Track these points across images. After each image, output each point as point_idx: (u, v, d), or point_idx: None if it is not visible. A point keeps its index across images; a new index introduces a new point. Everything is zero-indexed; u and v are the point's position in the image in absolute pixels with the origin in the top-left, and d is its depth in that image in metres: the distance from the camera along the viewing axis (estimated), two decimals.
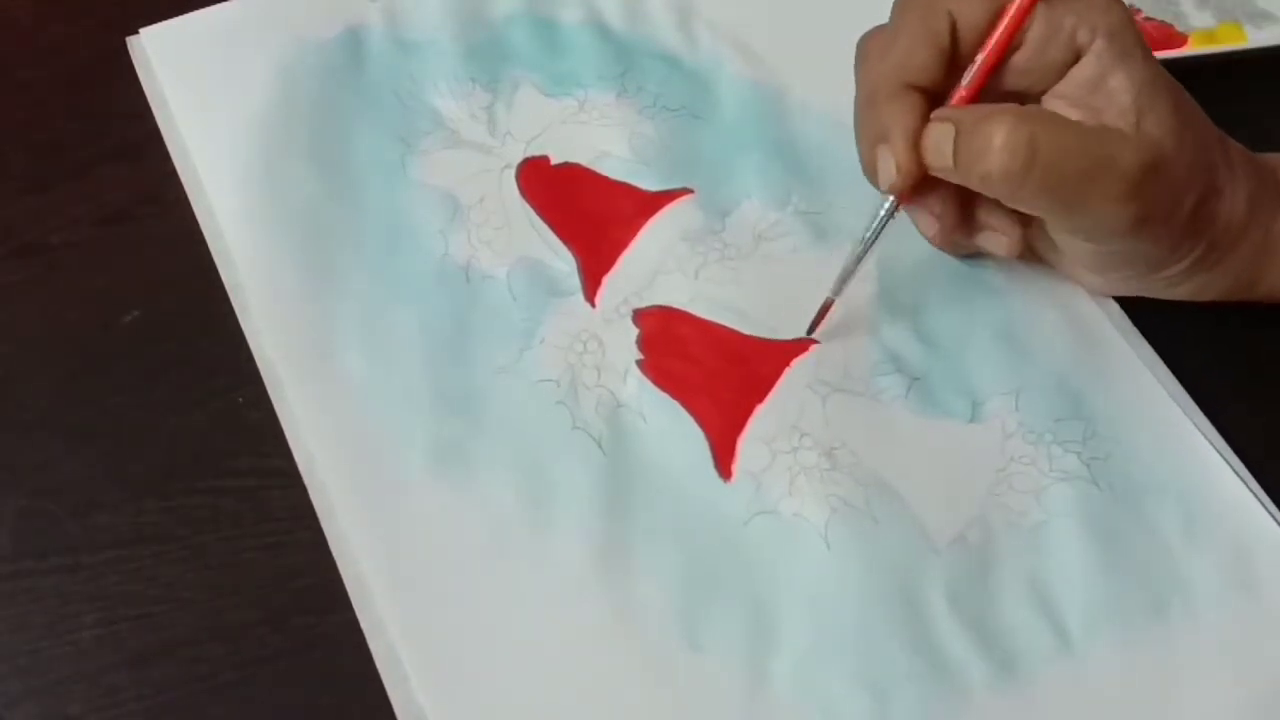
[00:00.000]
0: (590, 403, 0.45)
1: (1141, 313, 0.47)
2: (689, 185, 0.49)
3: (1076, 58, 0.41)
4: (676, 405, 0.45)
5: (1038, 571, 0.43)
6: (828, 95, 0.51)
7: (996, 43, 0.41)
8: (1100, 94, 0.40)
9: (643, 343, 0.46)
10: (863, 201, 0.49)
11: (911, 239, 0.46)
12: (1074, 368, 0.46)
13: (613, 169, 0.49)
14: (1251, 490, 0.45)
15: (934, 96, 0.42)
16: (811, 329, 0.46)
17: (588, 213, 0.48)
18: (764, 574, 0.42)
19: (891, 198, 0.43)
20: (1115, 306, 0.48)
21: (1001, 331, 0.47)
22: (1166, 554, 0.43)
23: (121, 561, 0.42)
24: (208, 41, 0.51)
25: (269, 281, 0.46)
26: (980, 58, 0.41)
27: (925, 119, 0.41)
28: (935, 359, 0.46)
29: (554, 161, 0.50)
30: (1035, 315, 0.47)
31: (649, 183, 0.49)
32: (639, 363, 0.46)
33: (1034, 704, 0.41)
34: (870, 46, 0.43)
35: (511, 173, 0.49)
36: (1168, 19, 0.55)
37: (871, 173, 0.43)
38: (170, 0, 0.52)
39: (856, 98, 0.43)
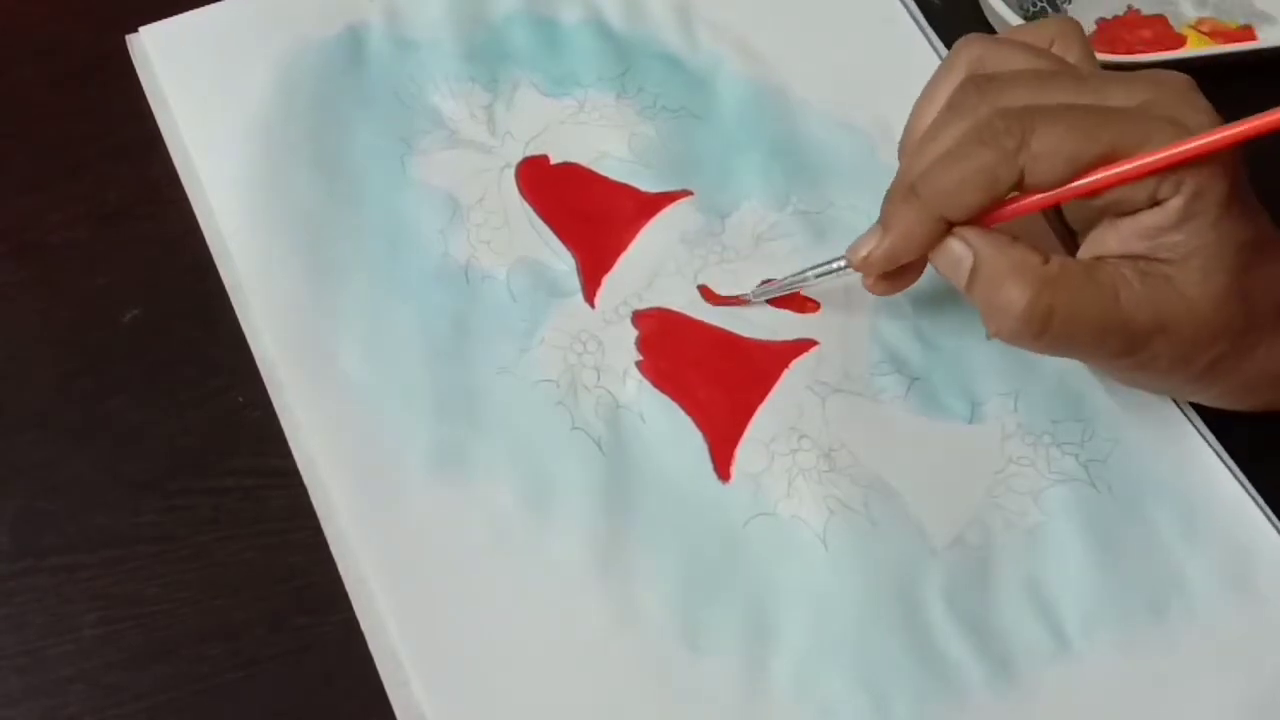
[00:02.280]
0: (590, 403, 0.45)
1: None
2: (688, 186, 0.49)
3: (1151, 205, 0.38)
4: (675, 406, 0.45)
5: (1036, 573, 0.43)
6: (828, 95, 0.51)
7: (1051, 199, 0.39)
8: (1153, 242, 0.39)
9: (642, 344, 0.46)
10: (862, 202, 0.49)
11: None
12: (1073, 369, 0.46)
13: (612, 169, 0.49)
14: (1249, 492, 0.45)
15: None
16: (722, 299, 0.47)
17: (587, 213, 0.48)
18: (763, 575, 0.42)
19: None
20: None
21: None
22: (1164, 555, 0.44)
23: (121, 561, 0.42)
24: (207, 40, 0.51)
25: (269, 281, 0.46)
26: (1031, 201, 0.39)
27: (937, 238, 0.40)
28: (935, 359, 0.46)
29: (553, 161, 0.50)
30: None
31: (648, 184, 0.49)
32: (638, 364, 0.46)
33: (1032, 705, 0.41)
34: (940, 122, 0.40)
35: (511, 172, 0.49)
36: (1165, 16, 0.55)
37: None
38: None
39: (904, 166, 0.42)
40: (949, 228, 0.40)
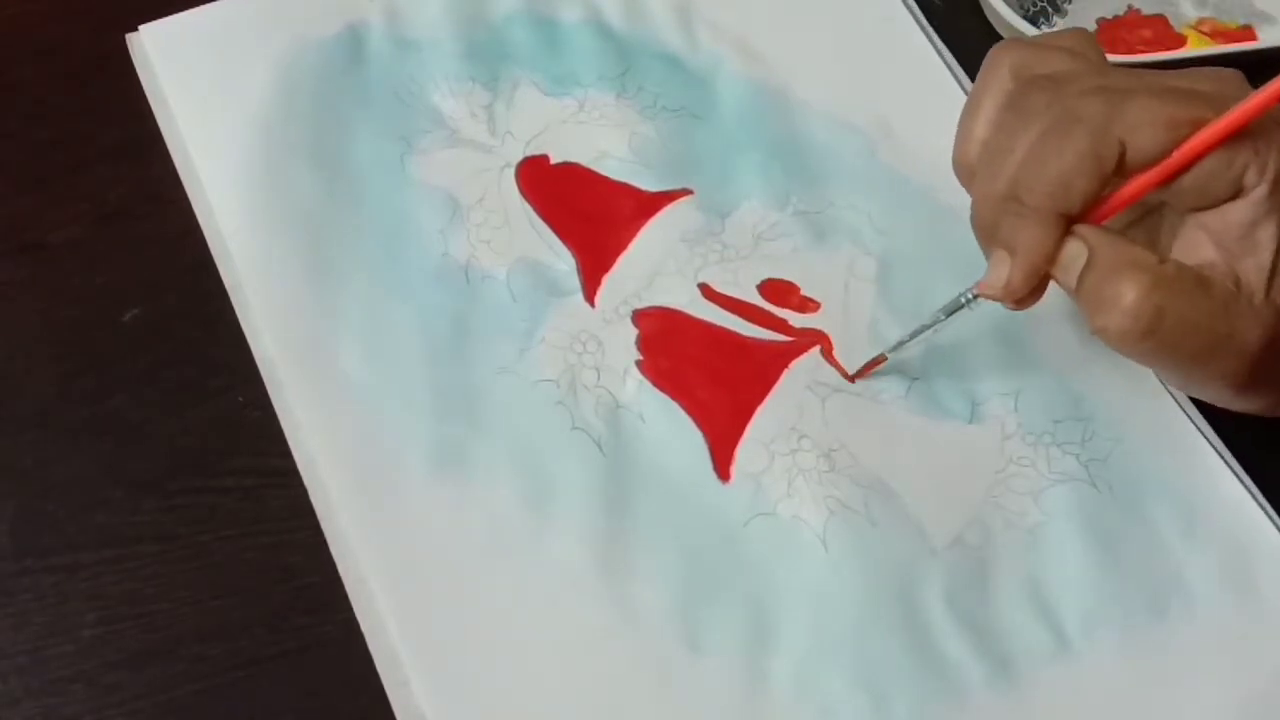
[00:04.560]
0: (590, 403, 0.45)
1: None
2: (688, 186, 0.49)
3: (1236, 195, 0.37)
4: (675, 406, 0.45)
5: (1036, 573, 0.43)
6: (828, 95, 0.51)
7: (1160, 174, 0.38)
8: (1245, 241, 0.38)
9: (642, 343, 0.46)
10: (862, 202, 0.49)
11: (912, 240, 0.46)
12: (1074, 368, 0.47)
13: (612, 169, 0.49)
14: (1250, 491, 0.45)
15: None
16: (856, 375, 0.46)
17: (587, 213, 0.48)
18: (763, 575, 0.42)
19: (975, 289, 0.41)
20: None
21: (1001, 332, 0.47)
22: (1165, 554, 0.44)
23: (121, 561, 0.42)
24: (207, 39, 0.51)
25: (269, 280, 0.46)
26: (1140, 182, 0.38)
27: (1063, 239, 0.38)
28: (935, 359, 0.46)
29: (553, 161, 0.50)
30: (1036, 315, 0.47)
31: (648, 183, 0.49)
32: (638, 363, 0.46)
33: (1032, 704, 0.41)
34: (1005, 130, 0.39)
35: (511, 172, 0.49)
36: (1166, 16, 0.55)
37: (983, 244, 0.41)
38: None
39: (982, 181, 0.40)
40: (1068, 226, 0.38)
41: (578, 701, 0.40)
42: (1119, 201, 0.38)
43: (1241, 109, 0.36)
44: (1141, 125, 0.37)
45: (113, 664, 0.41)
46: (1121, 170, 0.38)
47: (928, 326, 0.44)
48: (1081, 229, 0.38)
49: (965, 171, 0.41)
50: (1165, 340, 0.37)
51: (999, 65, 0.41)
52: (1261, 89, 0.36)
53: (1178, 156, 0.37)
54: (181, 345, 0.46)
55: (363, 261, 0.47)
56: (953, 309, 0.43)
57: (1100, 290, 0.38)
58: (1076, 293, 0.38)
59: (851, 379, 0.46)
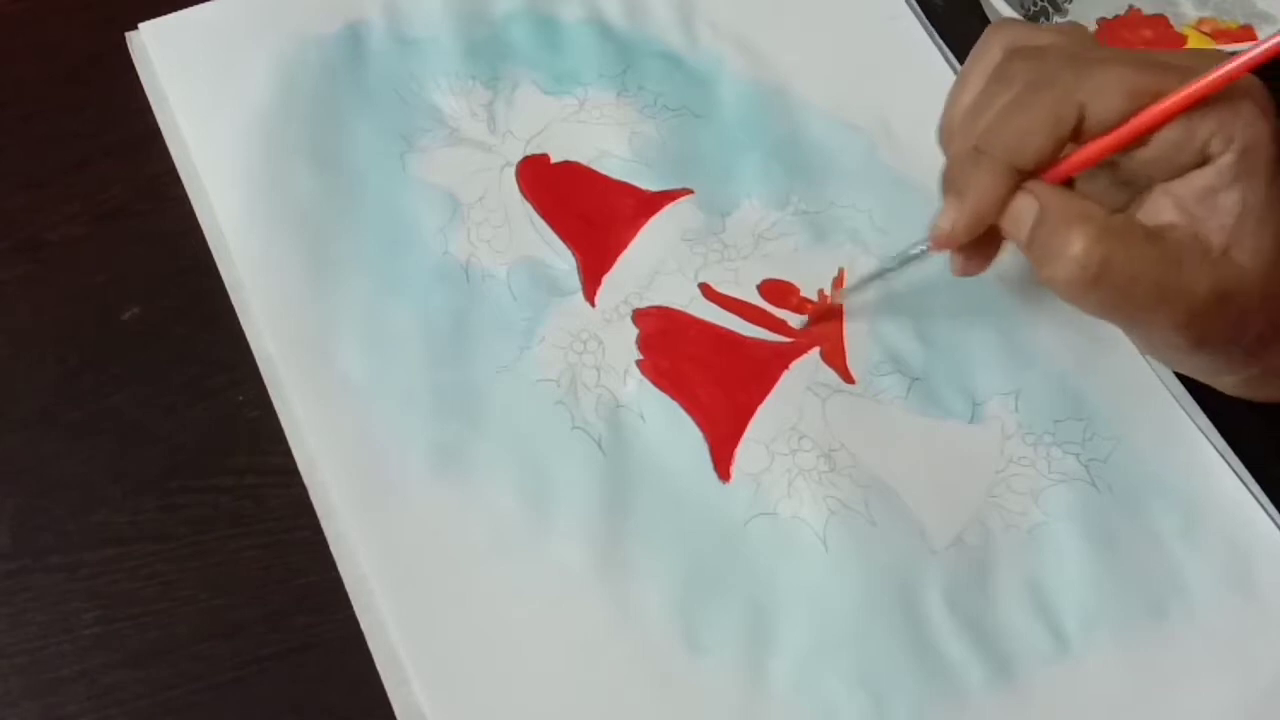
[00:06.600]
0: (590, 402, 0.45)
1: None
2: (689, 185, 0.49)
3: (1202, 164, 0.38)
4: (676, 406, 0.45)
5: (1036, 573, 0.43)
6: (829, 94, 0.51)
7: (1115, 140, 0.38)
8: (1207, 205, 0.38)
9: (642, 343, 0.46)
10: (863, 201, 0.49)
11: (912, 240, 0.46)
12: (1075, 368, 0.47)
13: (613, 168, 0.49)
14: (1251, 491, 0.45)
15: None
16: (807, 319, 0.47)
17: (588, 212, 0.48)
18: (763, 575, 0.42)
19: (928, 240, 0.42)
20: None
21: (1002, 331, 0.47)
22: (1165, 555, 0.44)
23: (121, 560, 0.42)
24: (207, 37, 0.51)
25: (269, 279, 0.46)
26: (1095, 146, 0.38)
27: (1012, 192, 0.39)
28: (935, 359, 0.46)
29: (554, 160, 0.49)
30: (1036, 315, 0.47)
31: (649, 182, 0.49)
32: (638, 363, 0.46)
33: (1031, 705, 0.41)
34: (987, 95, 0.40)
35: (511, 171, 0.49)
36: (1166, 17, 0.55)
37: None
38: None
39: (957, 141, 0.41)
40: (1019, 181, 0.39)
41: (578, 701, 0.40)
42: (1074, 164, 0.39)
43: (1198, 84, 0.37)
44: (1103, 91, 0.38)
45: (113, 664, 0.41)
46: (1080, 135, 0.38)
47: (879, 273, 0.45)
48: (1032, 184, 0.39)
49: (948, 137, 0.42)
50: (1112, 289, 0.38)
51: (991, 41, 0.41)
52: (1218, 67, 0.36)
53: (1133, 124, 0.38)
54: (181, 344, 0.46)
55: (363, 260, 0.47)
56: (905, 258, 0.43)
57: (1049, 241, 0.38)
58: (1027, 247, 0.39)
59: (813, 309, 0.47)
